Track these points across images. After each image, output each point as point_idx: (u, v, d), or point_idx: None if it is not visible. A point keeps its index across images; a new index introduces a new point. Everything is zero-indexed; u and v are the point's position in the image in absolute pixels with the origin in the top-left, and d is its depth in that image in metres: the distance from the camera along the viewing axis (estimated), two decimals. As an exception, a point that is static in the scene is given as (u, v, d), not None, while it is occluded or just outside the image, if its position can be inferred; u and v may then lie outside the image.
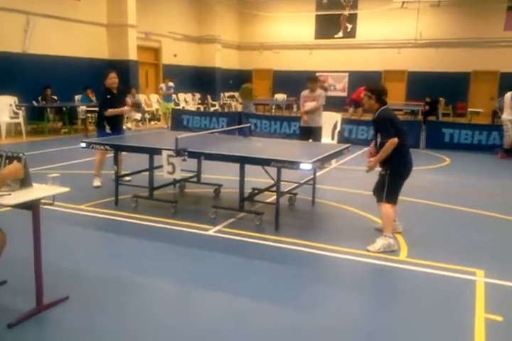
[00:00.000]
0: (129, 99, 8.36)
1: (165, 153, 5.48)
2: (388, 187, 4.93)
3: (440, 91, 19.44)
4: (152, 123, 17.29)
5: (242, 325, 3.41)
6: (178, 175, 5.63)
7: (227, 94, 23.49)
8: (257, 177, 6.35)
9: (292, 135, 12.52)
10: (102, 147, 6.20)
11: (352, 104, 17.73)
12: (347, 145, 6.47)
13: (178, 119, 15.02)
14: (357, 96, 17.62)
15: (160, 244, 4.97)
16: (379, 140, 4.99)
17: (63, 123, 14.51)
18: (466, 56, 20.81)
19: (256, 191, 6.40)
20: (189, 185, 7.18)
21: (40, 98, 14.10)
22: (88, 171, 7.89)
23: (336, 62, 23.16)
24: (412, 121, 15.10)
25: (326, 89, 17.76)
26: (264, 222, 5.56)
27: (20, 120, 12.76)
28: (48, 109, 13.74)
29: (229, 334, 3.28)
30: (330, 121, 9.83)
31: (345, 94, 22.85)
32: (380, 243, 4.88)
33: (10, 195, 3.20)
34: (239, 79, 23.87)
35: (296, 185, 6.39)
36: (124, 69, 16.61)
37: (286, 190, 6.08)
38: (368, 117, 17.28)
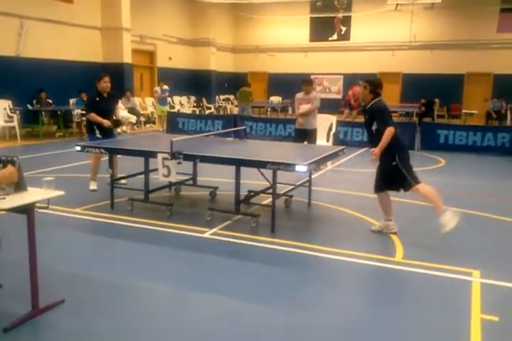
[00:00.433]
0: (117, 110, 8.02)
1: (160, 156, 5.48)
2: (408, 172, 5.15)
3: (434, 92, 19.52)
4: (147, 126, 17.27)
5: (237, 326, 3.40)
6: (174, 177, 5.63)
7: (222, 96, 23.51)
8: (253, 180, 6.35)
9: (288, 137, 12.53)
10: (96, 150, 6.19)
11: (347, 106, 17.78)
12: (342, 147, 6.48)
13: (174, 122, 15.02)
14: (355, 92, 17.73)
15: (156, 246, 4.96)
16: (373, 128, 5.16)
17: (58, 127, 14.46)
18: (460, 58, 20.92)
19: (252, 193, 6.40)
20: (185, 187, 7.17)
21: (34, 101, 14.06)
22: (83, 174, 7.87)
23: (330, 64, 23.23)
24: (407, 123, 15.16)
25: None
26: (260, 224, 5.56)
27: (15, 124, 12.71)
28: (43, 113, 13.70)
29: (224, 335, 3.27)
30: (325, 123, 9.84)
31: (340, 96, 22.94)
32: (380, 224, 5.39)
33: (4, 198, 3.19)
34: (234, 82, 23.89)
35: (292, 187, 6.40)
36: (119, 73, 16.61)
37: (282, 192, 6.08)
38: (362, 119, 17.35)
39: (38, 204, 3.36)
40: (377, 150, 5.10)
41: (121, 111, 15.29)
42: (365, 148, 5.51)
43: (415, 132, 12.40)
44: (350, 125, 13.10)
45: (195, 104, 21.57)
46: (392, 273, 4.43)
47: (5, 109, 12.87)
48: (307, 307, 3.72)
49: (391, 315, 3.64)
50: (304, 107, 8.61)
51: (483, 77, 20.94)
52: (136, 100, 17.20)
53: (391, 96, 20.79)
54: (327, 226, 5.84)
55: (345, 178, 8.51)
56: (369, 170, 6.42)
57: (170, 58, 20.74)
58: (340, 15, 22.92)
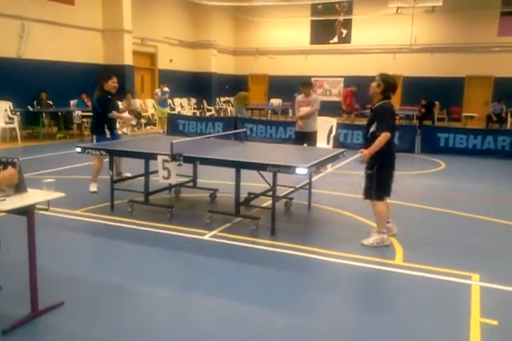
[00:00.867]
0: (125, 104, 8.34)
1: (160, 158, 5.48)
2: (377, 182, 4.98)
3: (435, 95, 19.51)
4: (148, 128, 17.28)
5: (237, 328, 3.39)
6: (174, 179, 5.63)
7: (222, 99, 23.53)
8: (253, 182, 6.35)
9: (288, 140, 12.54)
10: (97, 152, 6.19)
11: (342, 111, 17.97)
12: (342, 149, 6.48)
13: (174, 124, 15.03)
14: (344, 96, 17.85)
15: (156, 248, 4.96)
16: (371, 130, 5.00)
17: (58, 128, 14.47)
18: (461, 61, 20.95)
19: (252, 196, 6.40)
20: (185, 189, 7.17)
21: (35, 103, 14.08)
22: (83, 176, 7.87)
23: (331, 67, 23.26)
24: (407, 126, 15.16)
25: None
26: (260, 227, 5.56)
27: (16, 125, 12.73)
28: (43, 114, 13.71)
29: (224, 337, 3.27)
30: (325, 126, 9.84)
31: (340, 99, 22.90)
32: (373, 238, 5.10)
33: (4, 200, 3.19)
34: (235, 84, 23.94)
35: (292, 189, 6.39)
36: (120, 75, 16.51)
37: (282, 195, 6.08)
38: (363, 122, 17.38)
39: (38, 206, 3.36)
40: (366, 152, 4.97)
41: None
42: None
43: (415, 135, 12.40)
44: (351, 127, 13.10)
45: (195, 106, 21.60)
46: (392, 276, 4.43)
47: (6, 110, 12.89)
48: (307, 309, 3.71)
49: (391, 319, 3.64)
50: (304, 110, 8.61)
51: (483, 81, 20.97)
52: (137, 102, 17.21)
53: (392, 99, 20.79)
54: (327, 229, 5.83)
55: (345, 181, 8.51)
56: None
57: (171, 60, 20.77)
58: (341, 18, 22.97)
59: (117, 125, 14.98)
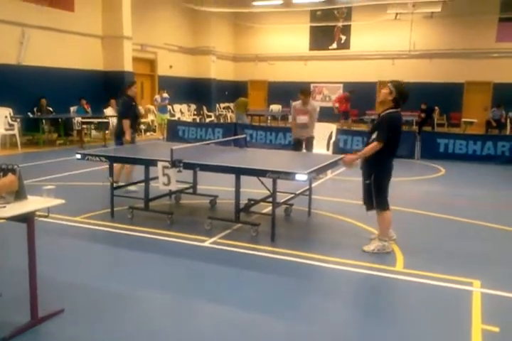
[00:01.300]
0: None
1: (160, 165, 5.48)
2: (376, 192, 4.96)
3: (434, 101, 19.53)
4: (148, 134, 17.30)
5: (236, 335, 3.38)
6: (174, 186, 5.62)
7: (222, 105, 23.57)
8: (253, 188, 6.35)
9: (288, 146, 12.53)
10: (97, 159, 6.19)
11: (342, 114, 18.04)
12: (342, 155, 6.46)
13: (174, 130, 15.05)
14: (337, 101, 17.88)
15: (156, 255, 4.95)
16: (373, 137, 4.94)
17: (58, 135, 14.49)
18: (460, 67, 21.00)
19: (252, 202, 6.40)
20: (185, 196, 7.17)
21: (35, 109, 14.10)
22: (83, 183, 7.88)
23: (330, 73, 23.31)
24: (407, 132, 15.14)
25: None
26: (260, 233, 5.55)
27: (16, 131, 12.73)
28: (44, 121, 13.72)
29: (225, 346, 3.26)
30: (325, 132, 9.85)
31: (333, 104, 22.94)
32: (374, 244, 5.08)
33: (4, 207, 3.19)
34: (234, 91, 23.99)
35: (292, 195, 6.39)
36: (120, 81, 16.65)
37: (282, 201, 6.07)
38: (362, 128, 17.38)
39: (38, 213, 3.36)
40: (353, 157, 4.97)
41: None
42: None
43: (415, 141, 12.42)
44: (350, 133, 13.12)
45: (195, 112, 21.63)
46: (393, 283, 4.42)
47: (6, 117, 12.90)
48: (308, 316, 3.70)
49: (391, 325, 3.62)
50: (302, 119, 8.61)
51: (482, 86, 21.01)
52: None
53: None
54: (327, 235, 5.82)
55: (345, 187, 8.51)
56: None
57: (170, 66, 20.82)
58: (340, 24, 23.05)
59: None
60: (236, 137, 10.40)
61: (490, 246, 5.49)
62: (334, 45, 23.52)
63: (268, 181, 5.41)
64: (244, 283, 4.31)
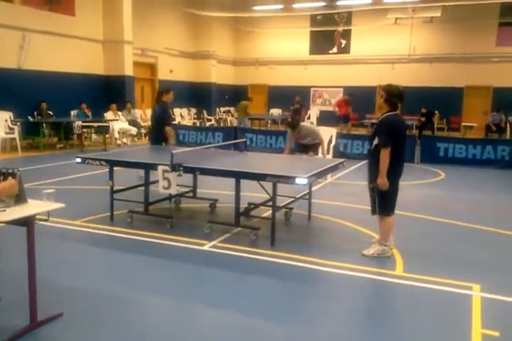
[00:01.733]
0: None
1: (160, 168, 5.48)
2: (380, 196, 4.93)
3: (434, 105, 19.55)
4: (148, 138, 17.28)
5: (237, 338, 3.38)
6: (174, 190, 5.62)
7: (222, 109, 23.60)
8: (253, 192, 6.35)
9: (288, 149, 12.53)
10: (97, 162, 6.19)
11: (342, 118, 17.98)
12: (342, 159, 6.48)
13: (174, 134, 15.03)
14: (337, 105, 17.84)
15: (155, 259, 4.94)
16: (374, 142, 4.94)
17: (59, 139, 14.49)
18: (460, 71, 21.02)
19: (252, 206, 6.40)
20: (185, 199, 7.17)
21: (35, 113, 14.11)
22: (83, 186, 7.87)
23: (330, 77, 23.35)
24: (407, 136, 15.15)
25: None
26: (260, 237, 5.55)
27: (16, 135, 12.75)
28: (44, 124, 13.72)
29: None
30: (325, 136, 9.87)
31: (333, 108, 22.97)
32: (374, 248, 5.07)
33: (4, 211, 3.19)
34: (235, 95, 24.00)
35: (292, 199, 6.39)
36: (120, 85, 16.74)
37: (282, 205, 6.07)
38: (362, 131, 17.40)
39: (38, 217, 3.36)
40: (381, 180, 4.76)
41: (122, 124, 15.45)
42: (365, 161, 5.52)
43: (415, 145, 12.42)
44: (350, 137, 13.13)
45: (195, 116, 21.65)
46: (393, 287, 4.41)
47: (6, 120, 12.91)
48: (308, 321, 3.69)
49: (391, 329, 3.62)
50: (304, 141, 8.87)
51: (482, 90, 21.04)
52: (137, 112, 17.25)
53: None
54: (327, 239, 5.82)
55: (345, 191, 8.51)
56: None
57: (171, 71, 20.86)
58: (340, 28, 23.11)
59: (121, 134, 15.07)
60: (236, 141, 10.41)
61: (490, 251, 5.48)
62: (334, 50, 23.57)
63: (268, 185, 5.41)
64: (244, 287, 4.30)
